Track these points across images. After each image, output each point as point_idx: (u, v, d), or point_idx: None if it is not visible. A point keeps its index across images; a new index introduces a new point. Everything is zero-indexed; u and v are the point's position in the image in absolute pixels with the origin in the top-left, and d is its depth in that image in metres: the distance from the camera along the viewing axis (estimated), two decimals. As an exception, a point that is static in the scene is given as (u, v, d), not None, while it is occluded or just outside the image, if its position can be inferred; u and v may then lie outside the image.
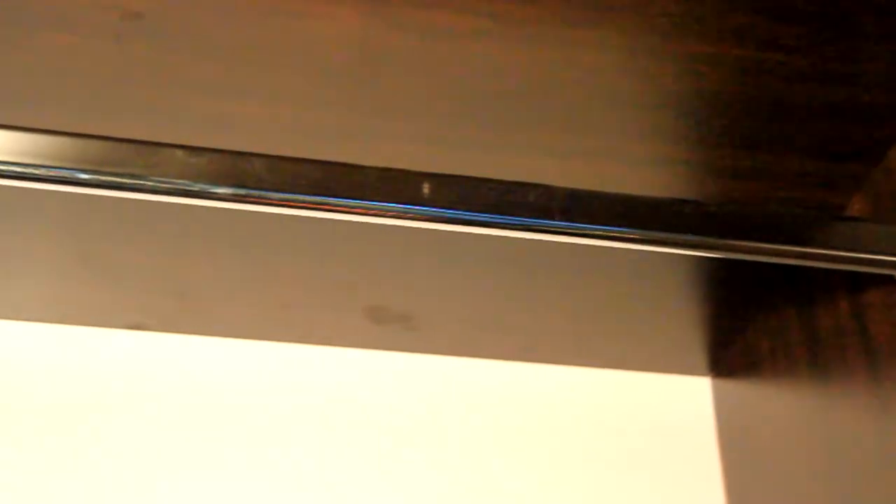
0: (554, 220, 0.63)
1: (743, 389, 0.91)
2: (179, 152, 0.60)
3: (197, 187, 0.61)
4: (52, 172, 0.60)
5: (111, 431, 0.87)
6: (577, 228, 0.64)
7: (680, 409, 0.96)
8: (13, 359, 0.88)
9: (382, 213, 0.63)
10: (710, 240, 0.67)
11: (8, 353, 0.88)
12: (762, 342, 0.87)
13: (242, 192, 0.61)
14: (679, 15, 0.65)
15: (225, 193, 0.61)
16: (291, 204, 0.63)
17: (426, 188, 0.62)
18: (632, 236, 0.65)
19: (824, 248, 0.68)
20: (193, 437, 0.87)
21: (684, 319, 0.90)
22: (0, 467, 0.84)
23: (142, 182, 0.61)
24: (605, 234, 0.65)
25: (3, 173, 0.60)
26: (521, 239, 0.68)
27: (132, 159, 0.61)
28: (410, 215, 0.63)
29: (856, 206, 0.76)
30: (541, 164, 0.74)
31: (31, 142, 0.60)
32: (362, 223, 0.66)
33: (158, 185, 0.61)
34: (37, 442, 0.84)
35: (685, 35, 0.66)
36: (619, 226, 0.65)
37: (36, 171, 0.60)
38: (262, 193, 0.62)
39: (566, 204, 0.63)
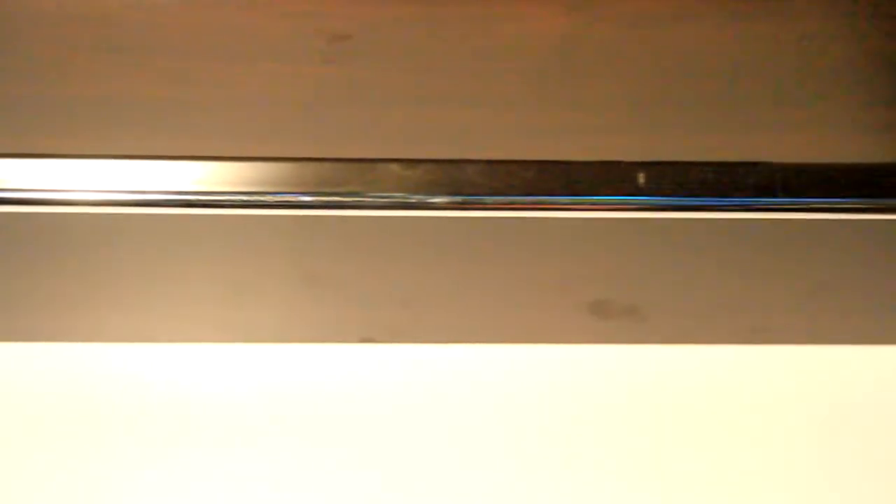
0: (777, 196, 0.61)
1: None
2: (395, 166, 0.61)
3: (414, 199, 0.61)
4: (276, 198, 0.61)
5: (355, 445, 0.87)
6: (802, 203, 0.62)
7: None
8: (249, 382, 0.90)
9: (599, 206, 0.62)
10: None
11: (242, 377, 0.90)
12: None
13: (459, 199, 0.61)
14: None
15: (442, 202, 0.61)
16: (507, 206, 0.62)
17: (641, 177, 0.61)
18: (861, 206, 0.62)
19: None
20: (434, 443, 0.87)
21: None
22: (240, 484, 0.85)
23: (361, 199, 0.61)
24: (831, 206, 0.62)
25: (229, 203, 0.61)
26: (743, 219, 0.68)
27: (351, 177, 0.61)
28: (628, 206, 0.62)
29: None
30: (755, 141, 0.69)
31: (253, 170, 0.61)
32: (579, 218, 0.66)
33: (377, 200, 0.61)
34: (284, 457, 0.85)
35: None
36: (846, 196, 0.62)
37: (261, 198, 0.61)
38: (478, 199, 0.61)
39: (788, 179, 0.61)
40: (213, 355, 0.90)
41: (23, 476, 0.87)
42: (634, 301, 0.87)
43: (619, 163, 0.61)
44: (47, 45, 0.66)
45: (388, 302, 0.86)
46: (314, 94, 0.68)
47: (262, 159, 0.61)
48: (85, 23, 0.65)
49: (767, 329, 0.91)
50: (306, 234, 0.79)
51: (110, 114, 0.69)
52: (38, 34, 0.65)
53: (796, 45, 0.65)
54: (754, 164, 0.61)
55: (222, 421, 0.89)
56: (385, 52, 0.66)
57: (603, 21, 0.65)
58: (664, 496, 0.87)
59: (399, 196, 0.60)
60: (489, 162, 0.61)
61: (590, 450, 0.88)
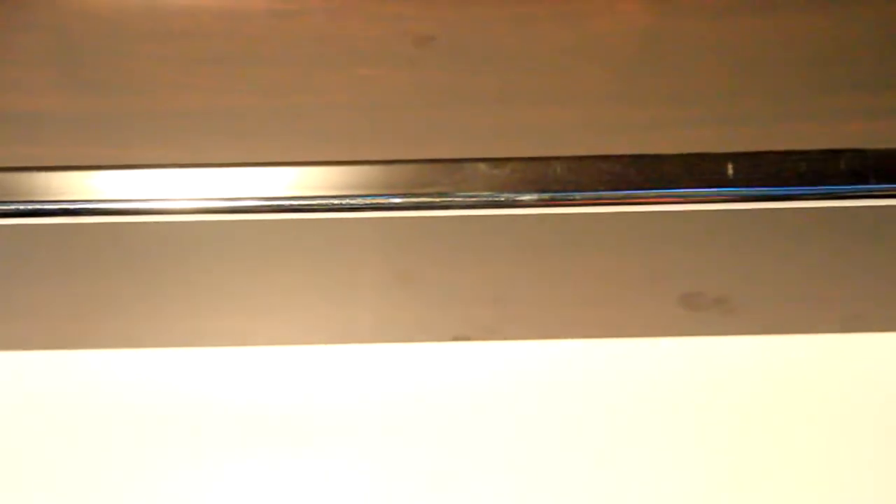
0: (869, 183, 0.60)
1: None
2: (482, 165, 0.61)
3: (503, 197, 0.61)
4: (367, 200, 0.61)
5: (452, 440, 0.87)
6: (887, 189, 0.60)
7: None
8: (345, 382, 0.91)
9: (688, 199, 0.61)
10: None
11: (338, 377, 0.91)
12: None
13: (547, 196, 0.61)
14: None
15: (530, 200, 0.61)
16: (595, 202, 0.62)
17: (730, 168, 0.60)
18: None
19: None
20: (529, 435, 0.87)
21: None
22: (341, 480, 0.86)
23: (450, 199, 0.61)
24: None
25: (321, 207, 0.61)
26: (835, 207, 0.66)
27: (439, 178, 0.61)
28: (718, 198, 0.61)
29: None
30: (846, 128, 0.70)
31: (344, 174, 0.61)
32: (668, 212, 0.64)
33: (466, 199, 0.61)
34: (382, 454, 0.86)
35: None
36: None
37: (352, 201, 0.61)
38: (566, 195, 0.61)
39: (881, 166, 0.60)
40: (311, 357, 0.92)
41: (129, 476, 0.87)
42: (725, 293, 0.86)
43: (707, 154, 0.60)
44: (144, 60, 0.68)
45: (479, 300, 0.87)
46: (401, 96, 0.69)
47: (353, 163, 0.61)
48: (180, 38, 0.66)
49: (860, 317, 0.90)
50: (398, 235, 0.80)
51: (204, 124, 0.71)
52: (135, 50, 0.67)
53: (881, 28, 0.65)
54: (844, 151, 0.60)
55: (323, 420, 0.90)
56: (469, 52, 0.67)
57: (685, 14, 0.65)
58: (758, 484, 0.86)
59: (487, 195, 0.61)
60: (576, 158, 0.60)
61: (683, 439, 0.88)
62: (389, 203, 0.61)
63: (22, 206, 0.62)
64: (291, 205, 0.62)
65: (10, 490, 0.89)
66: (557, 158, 0.60)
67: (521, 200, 0.61)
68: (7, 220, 0.63)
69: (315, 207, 0.61)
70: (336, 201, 0.61)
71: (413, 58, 0.67)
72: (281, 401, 0.92)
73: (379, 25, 0.67)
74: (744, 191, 0.60)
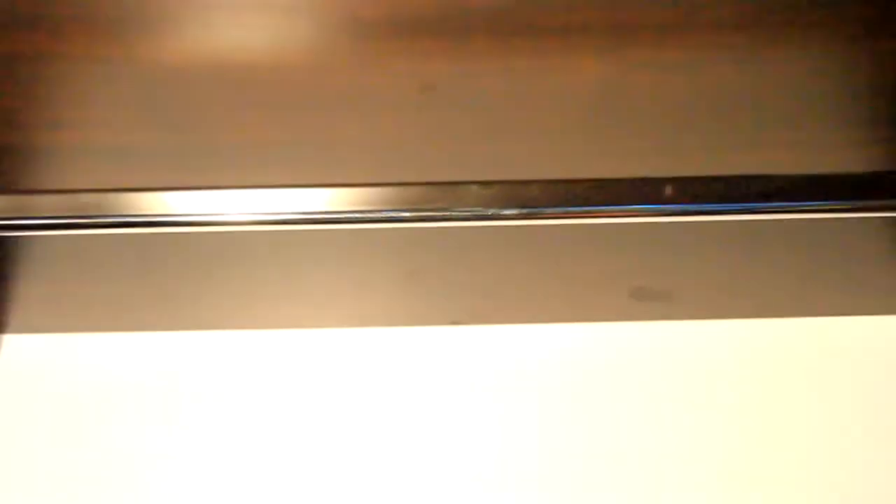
0: (773, 202, 0.67)
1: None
2: (474, 187, 0.67)
3: (490, 212, 0.67)
4: (382, 215, 0.67)
5: (449, 405, 0.91)
6: (795, 207, 0.67)
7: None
8: (365, 354, 0.94)
9: (636, 213, 0.68)
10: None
11: (359, 351, 0.95)
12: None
13: (525, 211, 0.67)
14: (871, 18, 0.66)
15: (511, 214, 0.67)
16: (563, 216, 0.68)
17: (668, 190, 0.67)
18: (842, 207, 0.68)
19: None
20: (507, 401, 0.90)
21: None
22: (357, 445, 0.87)
23: (449, 213, 0.67)
24: (818, 208, 0.67)
25: (346, 220, 0.68)
26: (748, 220, 0.73)
27: (440, 197, 0.67)
28: (658, 213, 0.68)
29: None
30: (755, 158, 0.75)
31: (363, 194, 0.68)
32: (621, 223, 0.70)
33: (461, 213, 0.67)
34: (393, 410, 0.91)
35: (876, 36, 0.67)
36: (830, 199, 0.67)
37: (370, 215, 0.68)
38: (540, 210, 0.67)
39: (783, 189, 0.67)
40: (337, 338, 0.95)
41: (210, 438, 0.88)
42: (667, 287, 0.91)
43: (650, 178, 0.67)
44: (207, 105, 0.72)
45: (471, 293, 0.92)
46: (409, 133, 0.74)
47: (370, 185, 0.68)
48: (235, 87, 0.71)
49: (768, 305, 0.93)
50: (407, 242, 0.85)
51: (254, 155, 0.76)
52: (200, 97, 0.72)
53: (783, 84, 0.70)
54: (756, 176, 0.67)
55: (350, 381, 0.92)
56: (463, 98, 0.71)
57: (633, 69, 0.69)
58: (684, 431, 0.89)
59: (478, 210, 0.67)
60: (548, 181, 0.67)
61: (632, 399, 0.90)
62: (400, 216, 0.68)
63: (112, 220, 0.68)
64: (323, 217, 0.68)
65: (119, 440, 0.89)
66: (533, 182, 0.67)
67: (505, 215, 0.68)
68: (100, 231, 0.69)
69: (341, 220, 0.68)
70: (358, 215, 0.68)
71: (418, 103, 0.71)
72: (314, 371, 0.93)
73: (391, 78, 0.70)
74: (679, 207, 0.67)
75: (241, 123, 0.73)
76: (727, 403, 0.93)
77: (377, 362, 0.95)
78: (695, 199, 0.67)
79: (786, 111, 0.73)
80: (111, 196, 0.68)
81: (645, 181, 0.67)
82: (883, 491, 0.86)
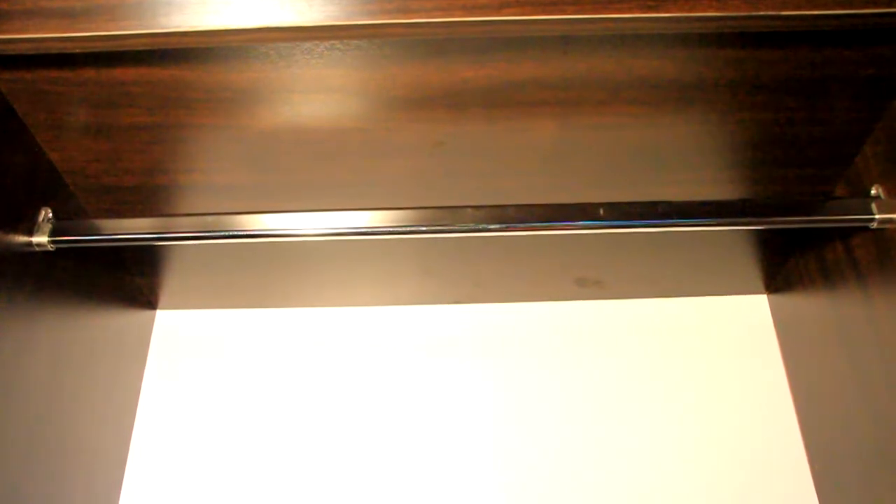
0: (673, 219, 0.74)
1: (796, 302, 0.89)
2: (469, 209, 0.74)
3: (480, 227, 0.74)
4: (406, 229, 0.74)
5: (455, 363, 0.99)
6: (687, 223, 0.74)
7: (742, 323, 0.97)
8: (392, 327, 1.03)
9: (580, 228, 0.74)
10: (747, 219, 0.75)
11: (389, 324, 1.03)
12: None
13: (504, 225, 0.74)
14: (731, 98, 0.69)
15: (494, 227, 0.74)
16: (531, 229, 0.75)
17: (601, 211, 0.74)
18: (718, 223, 0.75)
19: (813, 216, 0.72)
20: (493, 356, 0.99)
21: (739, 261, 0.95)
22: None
23: (451, 227, 0.74)
24: (703, 224, 0.75)
25: (382, 232, 0.74)
26: (657, 232, 0.77)
27: (444, 217, 0.74)
28: (596, 227, 0.74)
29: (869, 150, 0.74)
30: (663, 192, 0.82)
31: (392, 216, 0.74)
32: (569, 234, 0.74)
33: (461, 228, 0.74)
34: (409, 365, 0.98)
35: (739, 108, 0.71)
36: (710, 217, 0.74)
37: (399, 229, 0.75)
38: (514, 225, 0.74)
39: (679, 211, 0.74)
40: (375, 314, 1.05)
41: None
42: (599, 277, 1.02)
43: (589, 203, 0.73)
44: (289, 155, 0.77)
45: (467, 282, 1.01)
46: (425, 174, 0.79)
47: (398, 209, 0.73)
48: (306, 143, 0.76)
49: (672, 288, 1.01)
50: (423, 248, 0.93)
51: (321, 189, 0.81)
52: (284, 149, 0.77)
53: (683, 139, 0.76)
54: (661, 202, 0.73)
55: (385, 343, 1.00)
56: (464, 150, 0.76)
57: (583, 129, 0.75)
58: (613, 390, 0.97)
59: (472, 226, 0.74)
60: (521, 205, 0.73)
61: (575, 360, 1.00)
62: (418, 230, 0.74)
63: (226, 233, 0.75)
64: (367, 230, 0.74)
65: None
66: (510, 205, 0.74)
67: (490, 228, 0.75)
68: (218, 241, 0.75)
69: (379, 232, 0.74)
70: (390, 229, 0.74)
71: (432, 153, 0.77)
72: (362, 333, 1.02)
73: (413, 136, 0.75)
74: (609, 223, 0.74)
75: (311, 168, 0.78)
76: (640, 357, 1.01)
77: (404, 329, 1.04)
78: (620, 217, 0.73)
79: (680, 159, 0.79)
80: (226, 218, 0.74)
81: (586, 205, 0.73)
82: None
